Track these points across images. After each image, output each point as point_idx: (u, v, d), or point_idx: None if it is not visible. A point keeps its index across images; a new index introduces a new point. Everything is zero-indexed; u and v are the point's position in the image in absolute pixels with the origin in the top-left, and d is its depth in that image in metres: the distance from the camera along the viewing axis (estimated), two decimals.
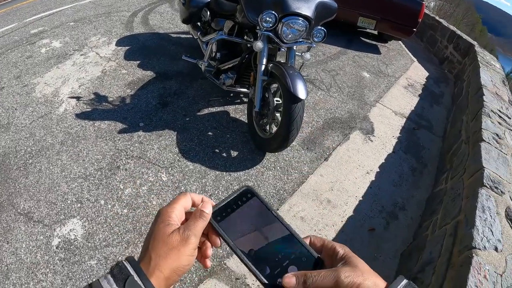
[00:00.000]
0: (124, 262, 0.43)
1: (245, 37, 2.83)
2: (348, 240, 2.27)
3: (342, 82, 4.33)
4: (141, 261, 0.44)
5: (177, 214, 0.48)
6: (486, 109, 3.09)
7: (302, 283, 0.43)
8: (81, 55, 3.98)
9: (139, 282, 0.41)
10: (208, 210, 0.49)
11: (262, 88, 2.55)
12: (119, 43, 4.32)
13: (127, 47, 4.21)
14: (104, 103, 3.13)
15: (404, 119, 3.84)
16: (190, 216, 0.50)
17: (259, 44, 2.41)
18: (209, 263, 0.52)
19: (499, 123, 2.97)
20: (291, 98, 2.26)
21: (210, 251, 0.51)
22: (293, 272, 0.44)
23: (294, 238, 0.48)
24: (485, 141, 2.54)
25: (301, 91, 2.24)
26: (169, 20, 5.28)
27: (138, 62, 3.88)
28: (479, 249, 1.59)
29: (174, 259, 0.44)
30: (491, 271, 1.51)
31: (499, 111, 3.24)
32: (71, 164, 2.47)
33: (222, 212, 0.50)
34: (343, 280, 0.41)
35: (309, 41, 2.59)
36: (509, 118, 3.24)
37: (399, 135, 3.53)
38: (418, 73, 5.27)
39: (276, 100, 2.54)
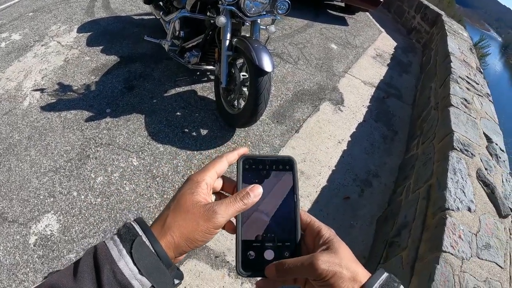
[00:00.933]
0: (132, 223, 0.41)
1: (208, 13, 2.76)
2: (324, 210, 2.29)
3: (309, 54, 4.32)
4: (157, 220, 0.43)
5: (208, 182, 0.46)
6: (454, 76, 3.15)
7: (279, 268, 0.43)
8: (42, 45, 3.81)
9: (147, 242, 0.39)
10: (254, 194, 0.45)
11: (228, 64, 2.51)
12: (81, 29, 4.16)
13: (89, 33, 4.06)
14: (68, 93, 3.02)
15: (374, 89, 3.88)
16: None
17: (222, 19, 2.36)
18: (232, 226, 0.48)
19: (467, 88, 3.03)
20: (257, 71, 2.23)
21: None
22: (274, 263, 0.44)
23: (294, 228, 0.47)
24: (453, 106, 2.59)
25: (267, 63, 2.22)
26: (131, 2, 5.11)
27: (101, 47, 3.75)
28: (453, 210, 1.64)
29: (190, 229, 0.41)
30: (465, 231, 1.55)
31: (467, 77, 3.30)
32: (40, 158, 2.40)
33: (252, 164, 0.49)
34: (319, 266, 0.39)
35: (273, 14, 2.55)
36: (477, 83, 3.31)
37: (369, 104, 3.57)
38: (386, 44, 5.31)
39: (243, 75, 2.51)
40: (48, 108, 2.84)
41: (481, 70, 3.91)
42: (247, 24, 2.62)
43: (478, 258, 1.48)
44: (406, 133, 3.28)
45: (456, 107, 2.58)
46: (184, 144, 2.61)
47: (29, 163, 2.37)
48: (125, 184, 2.27)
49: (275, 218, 0.47)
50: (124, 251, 0.38)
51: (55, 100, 2.93)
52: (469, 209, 1.67)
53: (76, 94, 3.01)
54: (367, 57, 4.64)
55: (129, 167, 2.38)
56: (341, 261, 0.40)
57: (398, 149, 3.04)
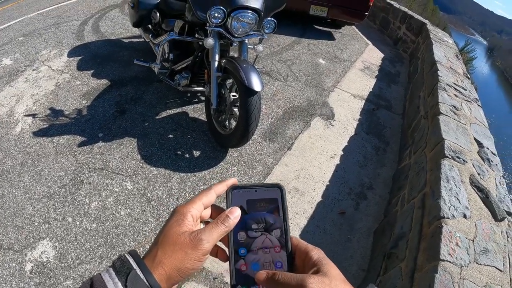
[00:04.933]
0: (126, 256, 0.42)
1: (196, 35, 2.80)
2: (320, 226, 2.30)
3: (298, 71, 4.37)
4: (147, 255, 0.43)
5: (194, 214, 0.47)
6: (441, 83, 3.20)
7: (270, 277, 0.43)
8: (33, 70, 3.82)
9: (142, 276, 0.40)
10: (234, 216, 0.47)
11: (217, 85, 2.54)
12: (71, 54, 4.18)
13: (79, 57, 4.08)
14: (60, 118, 3.02)
15: (363, 101, 3.93)
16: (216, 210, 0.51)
17: (209, 41, 2.40)
18: (224, 254, 0.50)
19: (455, 95, 3.09)
20: (247, 92, 2.26)
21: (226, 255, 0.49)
22: (264, 270, 0.45)
23: (285, 255, 0.48)
24: (443, 114, 2.63)
25: (256, 83, 2.25)
26: (120, 25, 5.16)
27: (92, 71, 3.77)
28: (448, 218, 1.65)
29: (179, 260, 0.42)
30: (462, 238, 1.56)
31: (455, 84, 3.36)
32: (34, 184, 2.38)
33: (241, 194, 0.50)
34: (309, 287, 0.39)
35: (260, 33, 2.59)
36: (465, 89, 3.37)
37: (360, 117, 3.61)
38: (373, 55, 5.40)
39: (233, 95, 2.53)
40: (40, 133, 2.83)
41: (468, 75, 3.98)
42: (235, 44, 2.66)
43: (477, 263, 1.49)
44: (397, 143, 3.31)
45: (446, 115, 2.62)
46: (177, 166, 2.61)
47: (23, 189, 2.34)
48: (120, 208, 2.25)
49: (266, 246, 0.48)
50: (119, 284, 0.39)
51: (47, 125, 2.92)
52: (465, 216, 1.70)
53: (68, 118, 3.00)
54: (355, 70, 4.70)
55: (124, 192, 2.37)
56: (331, 282, 0.41)
57: (390, 159, 3.07)
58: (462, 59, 4.66)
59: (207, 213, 0.51)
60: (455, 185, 1.89)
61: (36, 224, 2.12)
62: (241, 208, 0.49)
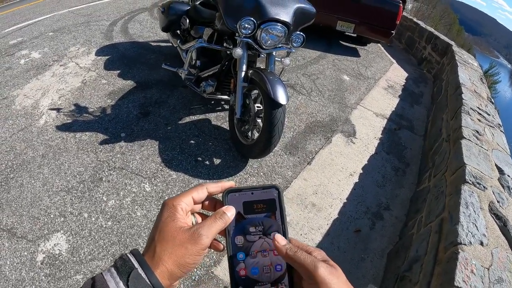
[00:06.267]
0: (128, 255, 0.42)
1: (225, 44, 2.83)
2: (335, 243, 2.28)
3: (322, 86, 4.37)
4: (146, 253, 0.43)
5: (183, 207, 0.47)
6: (465, 107, 3.16)
7: (288, 252, 0.44)
8: (61, 65, 3.91)
9: (144, 275, 0.40)
10: (231, 213, 0.47)
11: (243, 95, 2.55)
12: (99, 52, 4.27)
13: (107, 57, 4.16)
14: (84, 114, 3.07)
15: (385, 120, 3.90)
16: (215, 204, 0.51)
17: (238, 51, 2.41)
18: (220, 246, 0.50)
19: (478, 120, 3.04)
20: (272, 104, 2.27)
21: (221, 245, 0.50)
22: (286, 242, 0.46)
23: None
24: (465, 138, 2.59)
25: (281, 96, 2.25)
26: (149, 29, 5.25)
27: (118, 71, 3.84)
28: (465, 244, 1.61)
29: (180, 256, 0.42)
30: (478, 266, 1.53)
31: (479, 108, 3.31)
32: (53, 177, 2.41)
33: (238, 197, 0.50)
34: (320, 269, 0.41)
35: (288, 46, 2.60)
36: (489, 114, 3.31)
37: (381, 136, 3.58)
38: (397, 74, 5.37)
39: (257, 106, 2.54)
40: (63, 128, 2.88)
41: (492, 100, 3.91)
42: (263, 56, 2.68)
43: None
44: (417, 165, 3.27)
45: (468, 139, 2.58)
46: (197, 172, 2.61)
47: (42, 181, 2.38)
48: (137, 209, 2.26)
49: (265, 249, 0.48)
50: (121, 283, 0.39)
51: (70, 121, 2.97)
52: (482, 243, 1.66)
53: (92, 116, 3.06)
54: (378, 88, 4.68)
55: (141, 193, 2.38)
56: (339, 275, 0.42)
57: (409, 181, 3.03)
58: (486, 83, 4.59)
59: (197, 206, 0.51)
60: (474, 211, 1.85)
61: (52, 216, 2.14)
62: (238, 213, 0.48)
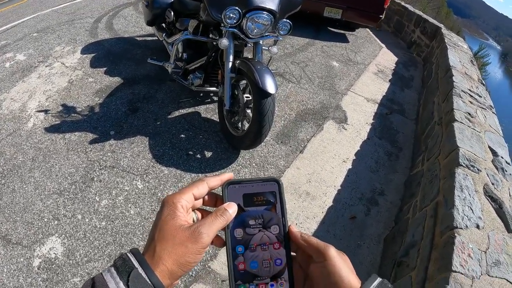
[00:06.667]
0: (128, 254, 0.41)
1: (211, 35, 2.79)
2: (331, 231, 2.27)
3: (312, 73, 4.35)
4: (146, 252, 0.43)
5: (184, 204, 0.46)
6: (456, 90, 3.14)
7: (301, 236, 0.47)
8: (46, 66, 3.83)
9: (144, 275, 0.39)
10: (232, 210, 0.47)
11: (231, 86, 2.52)
12: (84, 50, 4.20)
13: (92, 54, 4.10)
14: (72, 114, 3.02)
15: (376, 105, 3.89)
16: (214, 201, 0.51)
17: (224, 42, 2.38)
18: (221, 241, 0.49)
19: (470, 102, 3.03)
20: (261, 93, 2.24)
21: (222, 240, 0.49)
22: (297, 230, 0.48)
23: (284, 250, 0.48)
24: (458, 121, 2.58)
25: (270, 85, 2.22)
26: (134, 24, 5.18)
27: (104, 68, 3.78)
28: (461, 228, 1.61)
29: (180, 254, 0.42)
30: (475, 249, 1.52)
31: (470, 90, 3.30)
32: (44, 180, 2.38)
33: (238, 189, 0.49)
34: (331, 250, 0.44)
35: (275, 35, 2.56)
36: (480, 96, 3.30)
37: (373, 121, 3.57)
38: (387, 59, 5.35)
39: (246, 97, 2.51)
40: (52, 129, 2.84)
41: (483, 82, 3.91)
42: (250, 45, 2.64)
43: (488, 275, 1.45)
44: (410, 149, 3.27)
45: (460, 122, 2.57)
46: (188, 166, 2.59)
47: (33, 185, 2.34)
48: (130, 207, 2.24)
49: (264, 242, 0.47)
50: (121, 284, 0.38)
51: (59, 122, 2.93)
52: (478, 226, 1.65)
53: (80, 115, 3.01)
54: (368, 73, 4.66)
55: (134, 190, 2.36)
56: (347, 261, 0.45)
57: (403, 165, 3.03)
58: (476, 65, 4.58)
59: (198, 202, 0.50)
60: (469, 194, 1.84)
61: (46, 220, 2.12)
62: (238, 205, 0.48)
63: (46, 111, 3.06)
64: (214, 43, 2.69)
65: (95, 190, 2.34)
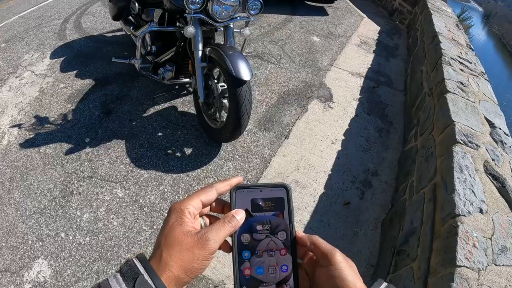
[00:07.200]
0: (134, 260, 0.41)
1: (178, 24, 2.61)
2: (324, 220, 2.16)
3: (291, 51, 4.19)
4: (152, 258, 0.42)
5: (191, 211, 0.46)
6: (445, 57, 2.96)
7: (309, 237, 0.47)
8: (17, 77, 3.65)
9: (150, 281, 0.39)
10: (240, 217, 0.47)
11: (204, 76, 2.37)
12: (54, 55, 4.01)
13: (62, 58, 3.91)
14: (46, 125, 2.89)
15: (362, 79, 3.75)
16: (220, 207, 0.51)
17: (190, 30, 2.21)
18: (227, 245, 0.49)
19: (461, 70, 2.86)
20: (235, 82, 2.09)
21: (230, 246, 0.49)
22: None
23: (290, 257, 0.47)
24: (450, 92, 2.42)
25: (244, 72, 2.07)
26: (103, 19, 4.96)
27: (75, 71, 3.61)
28: (464, 215, 1.47)
29: (187, 261, 0.41)
30: (479, 237, 1.39)
31: (459, 57, 3.12)
32: (24, 200, 2.27)
33: (246, 194, 0.49)
34: (337, 255, 0.44)
35: (246, 15, 2.41)
36: (470, 62, 3.13)
37: (359, 96, 3.44)
38: (369, 29, 5.18)
39: (221, 86, 2.36)
40: (27, 144, 2.71)
41: (471, 46, 3.74)
42: (221, 29, 2.47)
43: (495, 265, 1.32)
44: (401, 122, 3.14)
45: (453, 93, 2.41)
46: (169, 167, 2.47)
47: (14, 206, 2.24)
48: (112, 219, 2.14)
49: (271, 248, 0.47)
50: None
51: (33, 135, 2.79)
52: (481, 211, 1.51)
53: (54, 125, 2.87)
54: (351, 46, 4.50)
55: (115, 200, 2.25)
56: (354, 266, 0.44)
57: (395, 141, 2.90)
58: (463, 29, 4.40)
59: (206, 209, 0.50)
60: (470, 175, 1.69)
61: (30, 242, 2.04)
62: (246, 210, 0.48)
63: (19, 126, 2.92)
64: (182, 32, 2.51)
65: (75, 204, 2.24)
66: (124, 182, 2.36)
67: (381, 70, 4.00)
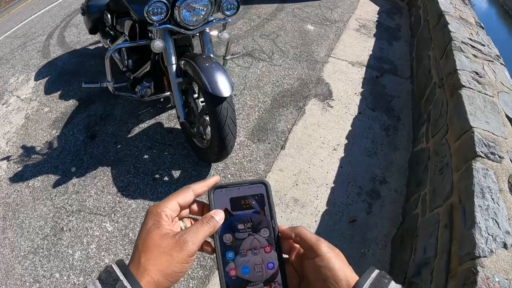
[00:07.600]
0: (113, 266, 0.41)
1: (150, 35, 2.37)
2: (328, 241, 1.93)
3: (284, 44, 3.93)
4: (130, 263, 0.42)
5: (168, 214, 0.45)
6: (456, 42, 2.60)
7: (293, 229, 0.47)
8: (3, 104, 3.53)
9: (129, 287, 0.38)
10: (219, 217, 0.46)
11: (182, 92, 2.15)
12: (38, 76, 3.87)
13: (46, 78, 3.77)
14: (33, 156, 2.78)
15: (364, 68, 3.49)
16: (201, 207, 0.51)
17: (157, 44, 2.00)
18: (209, 246, 0.48)
19: (474, 55, 2.50)
20: (213, 99, 1.87)
21: (211, 247, 0.48)
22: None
23: (275, 253, 0.47)
24: (465, 86, 2.10)
25: (222, 87, 1.84)
26: (85, 31, 4.75)
27: (59, 92, 3.46)
28: (485, 256, 1.23)
29: (165, 264, 0.41)
30: (502, 281, 1.16)
31: (470, 39, 2.74)
32: (18, 240, 2.22)
33: (224, 194, 0.49)
34: (322, 246, 0.44)
35: (221, 17, 2.17)
36: (483, 45, 2.75)
37: (362, 89, 3.18)
38: (367, 10, 4.87)
39: (202, 102, 2.13)
40: (16, 178, 2.63)
41: (481, 24, 3.35)
42: (198, 35, 2.24)
43: None
44: (410, 116, 2.87)
45: (469, 88, 2.09)
46: (157, 193, 2.31)
47: (9, 247, 2.19)
48: (104, 256, 2.05)
49: (255, 246, 0.46)
50: None
51: (21, 168, 2.70)
52: (505, 246, 1.26)
53: (40, 155, 2.77)
54: (349, 31, 4.21)
55: (104, 235, 2.15)
56: (339, 254, 0.44)
57: (404, 139, 2.66)
58: (469, 4, 4.01)
59: (185, 211, 0.50)
60: (492, 199, 1.42)
61: (27, 284, 1.99)
62: (226, 210, 0.47)
63: (8, 158, 2.82)
64: None
65: (66, 242, 2.15)
66: (113, 215, 2.24)
67: (384, 56, 3.72)
